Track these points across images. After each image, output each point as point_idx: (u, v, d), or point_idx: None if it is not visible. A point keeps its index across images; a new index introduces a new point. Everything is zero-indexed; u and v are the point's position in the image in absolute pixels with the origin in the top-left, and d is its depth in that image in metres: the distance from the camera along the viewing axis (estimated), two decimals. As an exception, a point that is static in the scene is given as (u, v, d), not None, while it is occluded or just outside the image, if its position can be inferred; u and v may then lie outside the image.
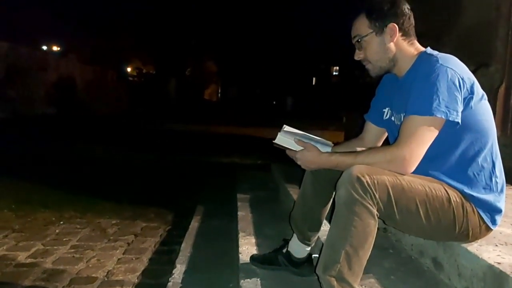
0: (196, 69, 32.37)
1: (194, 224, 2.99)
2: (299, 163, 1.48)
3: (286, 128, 1.68)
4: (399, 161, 1.27)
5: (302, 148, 1.46)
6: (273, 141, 1.52)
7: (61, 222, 3.20)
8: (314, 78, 36.22)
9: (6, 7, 17.31)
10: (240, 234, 2.25)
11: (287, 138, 1.52)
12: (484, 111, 1.37)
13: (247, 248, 2.03)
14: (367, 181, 1.22)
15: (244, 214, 2.68)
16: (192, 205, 3.63)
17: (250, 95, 37.31)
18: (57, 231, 3.00)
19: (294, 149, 1.49)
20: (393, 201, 1.25)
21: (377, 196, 1.22)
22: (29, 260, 2.45)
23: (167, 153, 7.28)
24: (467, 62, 4.23)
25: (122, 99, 19.85)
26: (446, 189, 1.33)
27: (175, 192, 4.32)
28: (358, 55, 1.51)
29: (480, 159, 1.35)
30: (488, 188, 1.36)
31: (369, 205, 1.22)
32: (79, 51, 20.70)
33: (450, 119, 1.26)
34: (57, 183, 4.57)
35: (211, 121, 15.69)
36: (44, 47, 24.63)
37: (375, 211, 1.23)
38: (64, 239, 2.82)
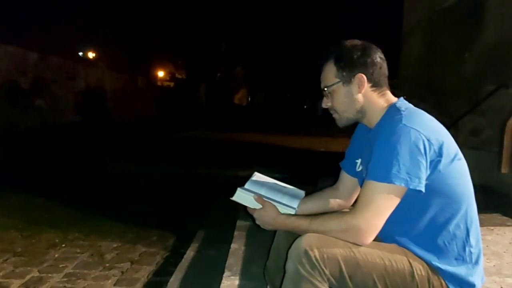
0: (226, 74, 32.58)
1: (190, 253, 2.93)
2: (257, 222, 1.39)
3: (255, 176, 1.60)
4: (354, 232, 1.15)
5: (261, 206, 1.37)
6: (231, 198, 1.44)
7: (63, 245, 3.23)
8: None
9: (42, 18, 18.03)
10: (225, 274, 2.16)
11: (249, 193, 1.43)
12: (457, 174, 1.21)
13: (227, 292, 1.95)
14: (315, 256, 1.11)
15: (236, 247, 2.58)
16: (195, 228, 3.60)
17: (280, 99, 37.19)
18: (56, 255, 3.03)
19: (253, 207, 1.40)
20: (347, 276, 1.14)
21: (326, 272, 1.12)
22: (21, 290, 2.48)
23: (187, 165, 7.33)
24: (487, 80, 4.00)
25: (151, 106, 20.22)
26: (411, 261, 1.19)
27: (183, 212, 4.31)
28: (326, 103, 1.40)
29: (451, 227, 1.21)
30: (461, 259, 1.21)
31: (317, 282, 1.12)
32: (112, 58, 21.28)
33: (410, 187, 1.13)
34: (70, 199, 4.66)
35: (238, 128, 15.69)
36: (80, 53, 25.60)
37: None
38: (61, 265, 2.84)
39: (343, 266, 1.13)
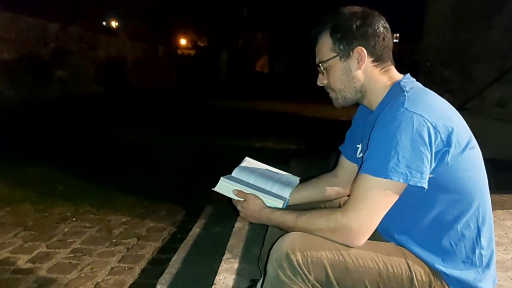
0: (247, 41, 31.95)
1: (195, 230, 2.89)
2: (241, 215, 1.28)
3: (246, 162, 1.48)
4: (344, 232, 1.01)
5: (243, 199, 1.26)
6: (213, 189, 1.33)
7: (74, 219, 3.25)
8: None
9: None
10: (225, 256, 2.10)
11: (233, 182, 1.31)
12: (468, 166, 1.04)
13: (225, 277, 1.88)
14: (297, 260, 0.99)
15: (240, 227, 2.51)
16: (204, 203, 3.55)
17: (302, 65, 36.32)
18: (66, 229, 3.05)
19: (237, 199, 1.29)
20: (334, 282, 1.01)
21: (311, 277, 1.00)
22: (27, 266, 2.49)
23: (204, 135, 7.28)
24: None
25: (172, 75, 20.12)
26: (410, 264, 1.05)
27: (194, 185, 4.26)
28: (321, 80, 1.24)
29: (459, 226, 1.05)
30: (469, 262, 1.05)
31: None
32: (132, 27, 21.12)
33: (410, 183, 0.97)
34: (85, 170, 4.69)
35: (259, 96, 15.45)
36: (104, 23, 25.45)
37: None
38: (69, 240, 2.85)
39: (330, 271, 1.01)
